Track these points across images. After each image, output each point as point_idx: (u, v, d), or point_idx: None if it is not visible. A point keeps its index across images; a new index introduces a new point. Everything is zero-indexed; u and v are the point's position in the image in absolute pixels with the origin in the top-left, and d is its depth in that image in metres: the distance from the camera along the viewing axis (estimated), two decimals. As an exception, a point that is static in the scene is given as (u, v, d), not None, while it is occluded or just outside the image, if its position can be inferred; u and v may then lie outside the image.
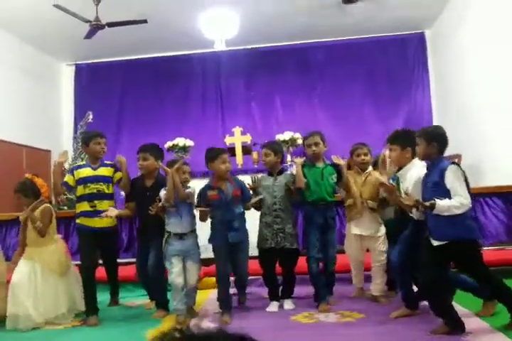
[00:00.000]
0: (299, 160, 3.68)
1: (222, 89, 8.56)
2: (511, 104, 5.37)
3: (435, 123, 7.56)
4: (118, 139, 8.37)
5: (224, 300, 3.43)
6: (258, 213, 3.67)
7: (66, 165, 5.47)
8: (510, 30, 5.33)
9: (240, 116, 8.32)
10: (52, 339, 3.20)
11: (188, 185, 3.54)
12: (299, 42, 8.32)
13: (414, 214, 2.96)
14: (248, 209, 3.59)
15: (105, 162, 3.79)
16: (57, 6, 5.80)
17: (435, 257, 2.71)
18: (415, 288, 3.15)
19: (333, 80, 8.21)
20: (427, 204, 2.66)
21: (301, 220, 4.43)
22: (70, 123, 8.64)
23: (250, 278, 3.87)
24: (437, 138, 2.79)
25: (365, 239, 3.68)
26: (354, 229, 3.69)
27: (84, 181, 3.65)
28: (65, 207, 6.44)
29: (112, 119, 8.50)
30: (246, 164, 7.41)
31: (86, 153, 4.25)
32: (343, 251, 3.87)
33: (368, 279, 3.82)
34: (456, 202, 2.62)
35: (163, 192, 3.41)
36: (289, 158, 7.13)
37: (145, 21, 6.29)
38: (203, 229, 3.55)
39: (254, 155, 7.27)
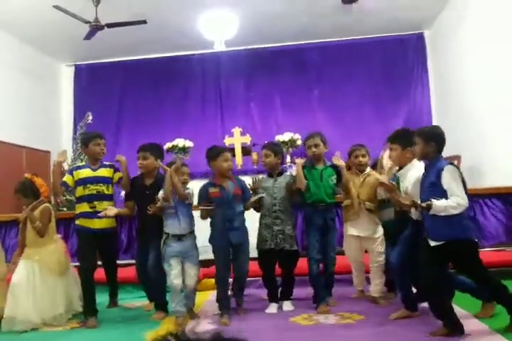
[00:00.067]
0: (300, 160, 3.66)
1: (221, 90, 8.56)
2: (511, 104, 5.37)
3: (435, 123, 7.56)
4: (117, 140, 8.38)
5: (223, 301, 3.42)
6: (258, 214, 3.66)
7: (65, 166, 5.47)
8: (509, 30, 5.33)
9: (240, 116, 8.31)
10: (51, 341, 3.19)
11: (187, 186, 3.53)
12: (298, 42, 8.32)
13: (413, 214, 2.95)
14: (248, 209, 3.57)
15: (104, 163, 3.79)
16: (56, 7, 5.81)
17: (433, 257, 2.71)
18: (414, 290, 3.15)
19: (333, 81, 8.19)
20: (424, 204, 2.66)
21: (300, 221, 4.44)
22: (70, 124, 8.65)
23: (249, 279, 3.85)
24: (435, 138, 2.79)
25: (363, 240, 3.68)
26: (350, 230, 3.68)
27: (83, 182, 3.64)
28: (65, 209, 6.43)
29: (111, 120, 8.50)
30: (245, 165, 7.39)
31: (85, 154, 4.25)
32: (342, 253, 3.86)
33: (368, 281, 3.81)
34: (452, 203, 2.62)
35: (161, 193, 3.40)
36: (288, 159, 7.12)
37: (144, 22, 6.30)
38: (202, 231, 3.54)
39: (254, 155, 7.25)
